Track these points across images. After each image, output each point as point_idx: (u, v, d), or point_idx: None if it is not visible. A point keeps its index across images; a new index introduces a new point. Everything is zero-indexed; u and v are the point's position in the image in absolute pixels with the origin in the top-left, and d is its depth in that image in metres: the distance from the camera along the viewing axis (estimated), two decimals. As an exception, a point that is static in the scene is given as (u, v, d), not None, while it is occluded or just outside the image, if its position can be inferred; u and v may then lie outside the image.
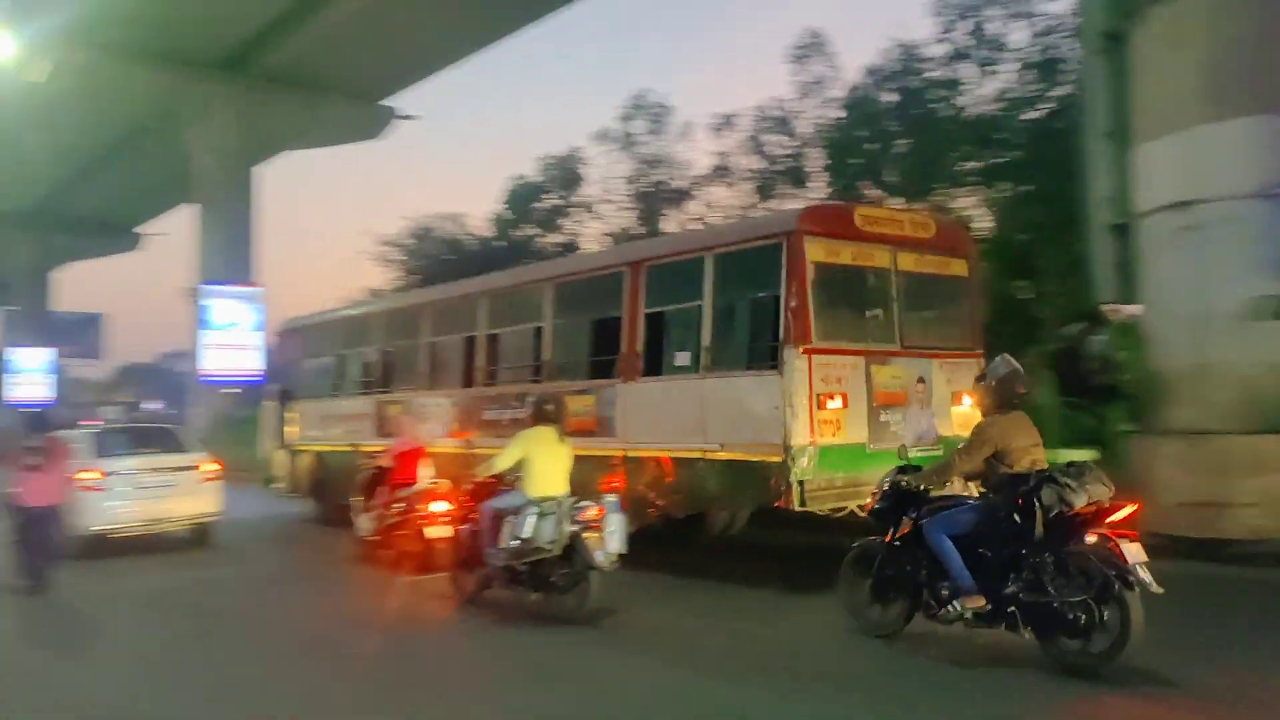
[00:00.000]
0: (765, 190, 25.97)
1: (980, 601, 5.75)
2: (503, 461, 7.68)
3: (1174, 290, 9.74)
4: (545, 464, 7.59)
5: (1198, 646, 6.12)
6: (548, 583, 7.41)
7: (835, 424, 8.02)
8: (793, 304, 7.96)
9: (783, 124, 25.02)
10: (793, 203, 25.89)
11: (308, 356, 15.65)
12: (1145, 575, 5.27)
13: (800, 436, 7.83)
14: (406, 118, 31.60)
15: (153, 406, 59.83)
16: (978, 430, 6.09)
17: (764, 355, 8.27)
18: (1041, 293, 16.95)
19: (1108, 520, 5.49)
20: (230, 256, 29.58)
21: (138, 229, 47.46)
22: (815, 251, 8.10)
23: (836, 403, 8.04)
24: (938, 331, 9.29)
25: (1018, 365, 6.18)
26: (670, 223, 27.16)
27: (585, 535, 7.22)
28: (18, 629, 8.40)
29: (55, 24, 25.44)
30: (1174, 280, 9.74)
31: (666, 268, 9.35)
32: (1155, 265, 10.02)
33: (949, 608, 5.90)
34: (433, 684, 6.08)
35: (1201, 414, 9.35)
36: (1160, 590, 5.25)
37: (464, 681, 6.34)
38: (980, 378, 6.45)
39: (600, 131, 27.47)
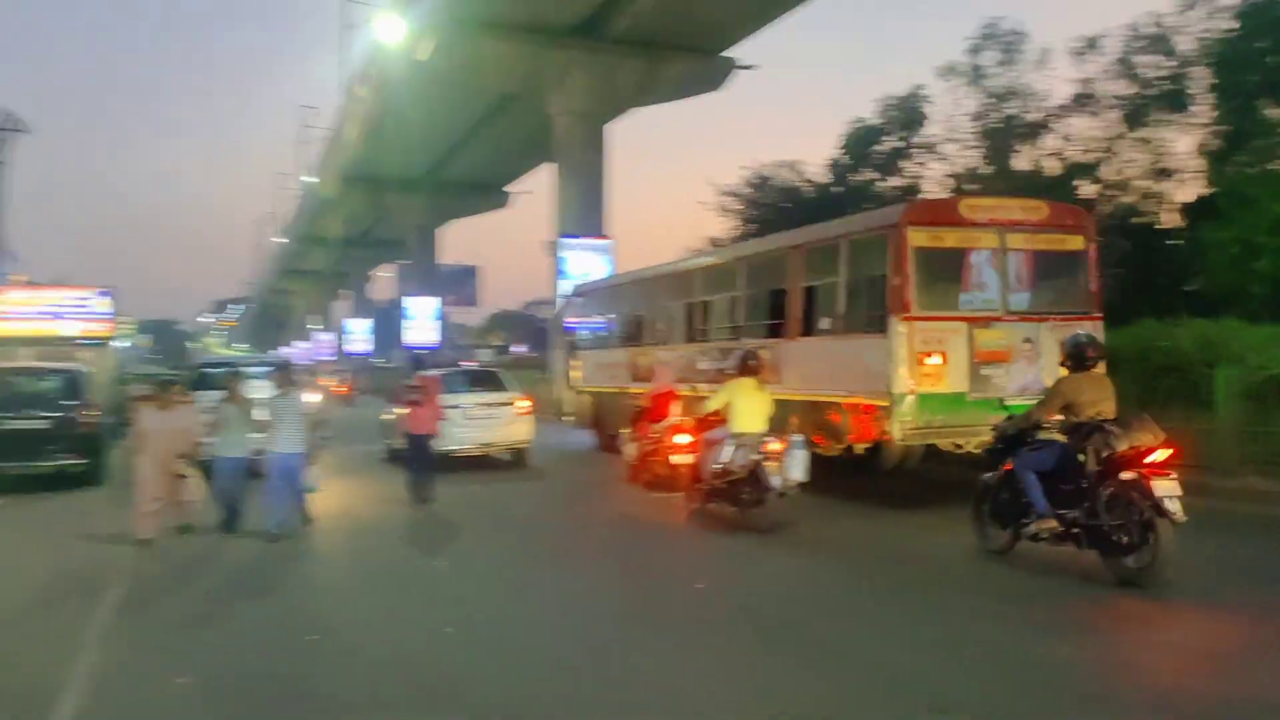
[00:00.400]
0: (1136, 118, 23.43)
1: (1052, 524, 7.08)
2: (711, 404, 9.67)
3: None
4: (745, 407, 9.30)
5: None
6: (739, 499, 9.33)
7: (935, 377, 9.92)
8: (895, 282, 9.98)
9: (1159, 42, 22.41)
10: (1167, 131, 23.15)
11: (588, 314, 19.32)
12: (1172, 506, 6.44)
13: (900, 386, 9.83)
14: (746, 68, 31.84)
15: (519, 350, 65.92)
16: (1053, 386, 7.44)
17: (879, 322, 10.21)
18: None
19: (1144, 461, 6.65)
20: (584, 211, 31.69)
21: (506, 188, 52.25)
22: (917, 239, 10.02)
23: (936, 359, 9.92)
24: (1050, 298, 10.86)
25: (1092, 336, 7.82)
26: (1022, 159, 25.32)
27: (766, 464, 8.95)
28: (409, 538, 10.09)
29: (436, 5, 28.48)
30: None
31: (817, 250, 11.72)
32: None
33: (1032, 529, 7.21)
34: (655, 565, 8.51)
35: None
36: (1184, 519, 6.40)
37: (670, 564, 8.66)
38: (1062, 345, 7.63)
39: (945, 67, 26.07)
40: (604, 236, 32.11)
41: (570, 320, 20.18)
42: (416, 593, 7.48)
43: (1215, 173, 20.60)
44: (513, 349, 69.29)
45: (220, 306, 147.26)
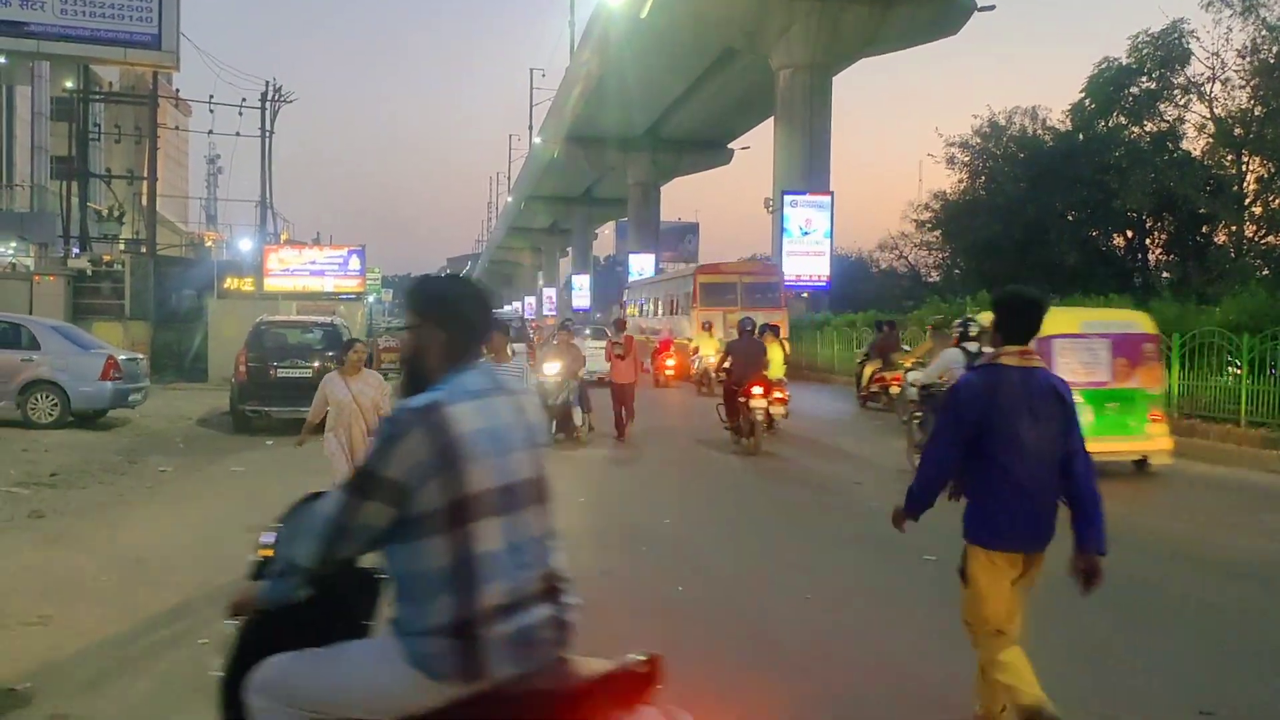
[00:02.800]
0: None
1: None
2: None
3: None
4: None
5: None
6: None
7: (709, 333, 23.11)
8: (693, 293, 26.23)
9: None
10: None
11: (634, 300, 36.85)
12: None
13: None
14: (986, 8, 29.94)
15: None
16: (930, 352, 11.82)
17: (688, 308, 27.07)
18: None
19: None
20: (806, 166, 31.15)
21: (729, 145, 52.10)
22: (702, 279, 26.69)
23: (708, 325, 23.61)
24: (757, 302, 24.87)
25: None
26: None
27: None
28: (610, 480, 10.77)
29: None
30: None
31: (677, 280, 30.45)
32: None
33: None
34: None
35: None
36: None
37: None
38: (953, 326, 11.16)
39: (1212, -2, 23.48)
40: (826, 192, 31.49)
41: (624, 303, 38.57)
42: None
43: None
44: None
45: (459, 263, 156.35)
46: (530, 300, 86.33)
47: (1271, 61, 22.87)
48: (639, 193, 54.10)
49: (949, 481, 3.73)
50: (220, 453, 11.97)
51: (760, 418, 12.01)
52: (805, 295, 31.79)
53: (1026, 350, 3.55)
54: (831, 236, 31.78)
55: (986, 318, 8.20)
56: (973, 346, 9.39)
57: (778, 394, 12.49)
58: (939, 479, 3.66)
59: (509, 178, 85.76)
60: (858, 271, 39.10)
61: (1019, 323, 3.57)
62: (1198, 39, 24.82)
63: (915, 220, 33.46)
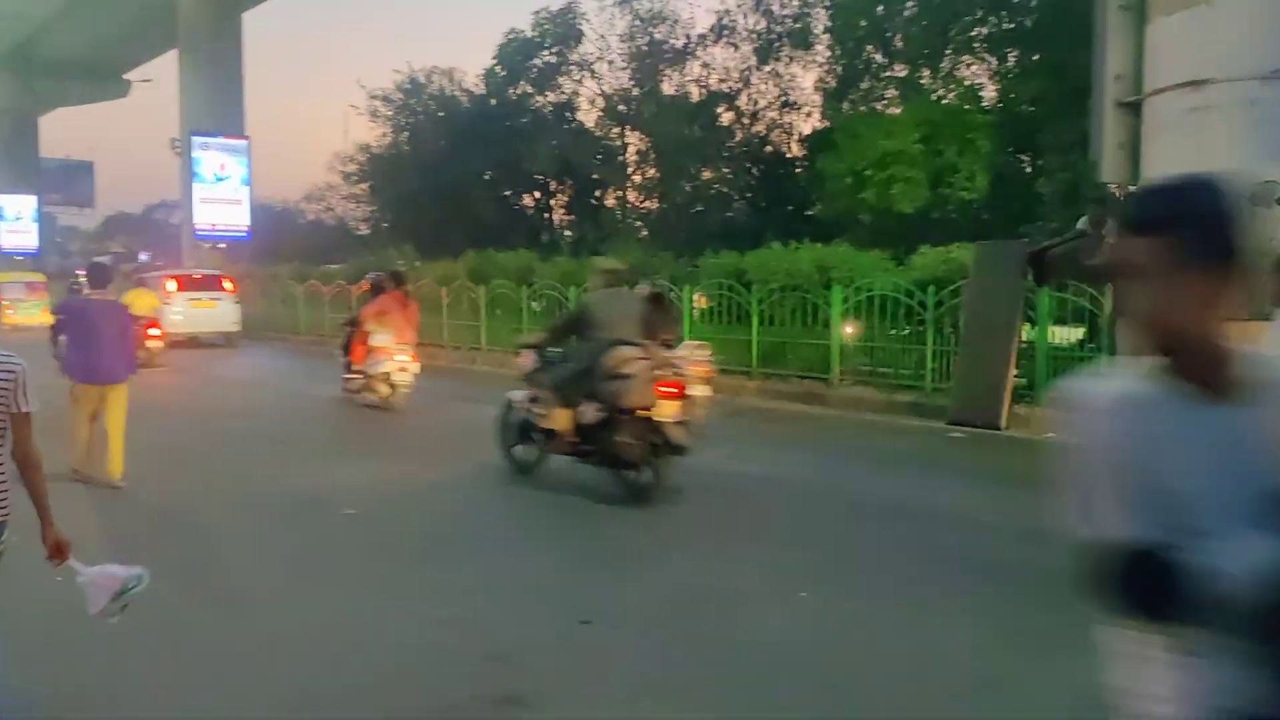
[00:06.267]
0: (765, 53, 25.13)
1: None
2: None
3: (1177, 172, 9.59)
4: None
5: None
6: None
7: None
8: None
9: (788, -20, 24.04)
10: (795, 67, 25.12)
11: None
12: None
13: None
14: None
15: (144, 258, 59.28)
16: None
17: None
18: (1044, 168, 16.69)
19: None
20: (218, 107, 28.84)
21: (127, 76, 46.04)
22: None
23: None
24: None
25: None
26: (670, 85, 26.40)
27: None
28: None
29: None
30: (1177, 163, 9.57)
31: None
32: (1160, 146, 9.84)
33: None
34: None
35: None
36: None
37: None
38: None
39: (598, -17, 26.34)
40: (242, 136, 29.48)
41: None
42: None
43: (831, 109, 22.75)
44: (141, 256, 62.10)
45: None
46: None
47: (644, 49, 26.35)
48: (8, 123, 45.60)
49: None
50: None
51: None
52: (223, 245, 29.60)
53: None
54: (250, 184, 29.92)
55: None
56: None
57: None
58: None
59: None
60: (283, 222, 37.49)
61: None
62: (589, 21, 27.69)
63: (342, 172, 32.94)
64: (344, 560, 5.65)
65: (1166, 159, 9.75)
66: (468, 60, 78.69)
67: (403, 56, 72.61)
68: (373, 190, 31.90)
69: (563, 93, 28.86)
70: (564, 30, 27.46)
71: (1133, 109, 10.33)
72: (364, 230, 34.47)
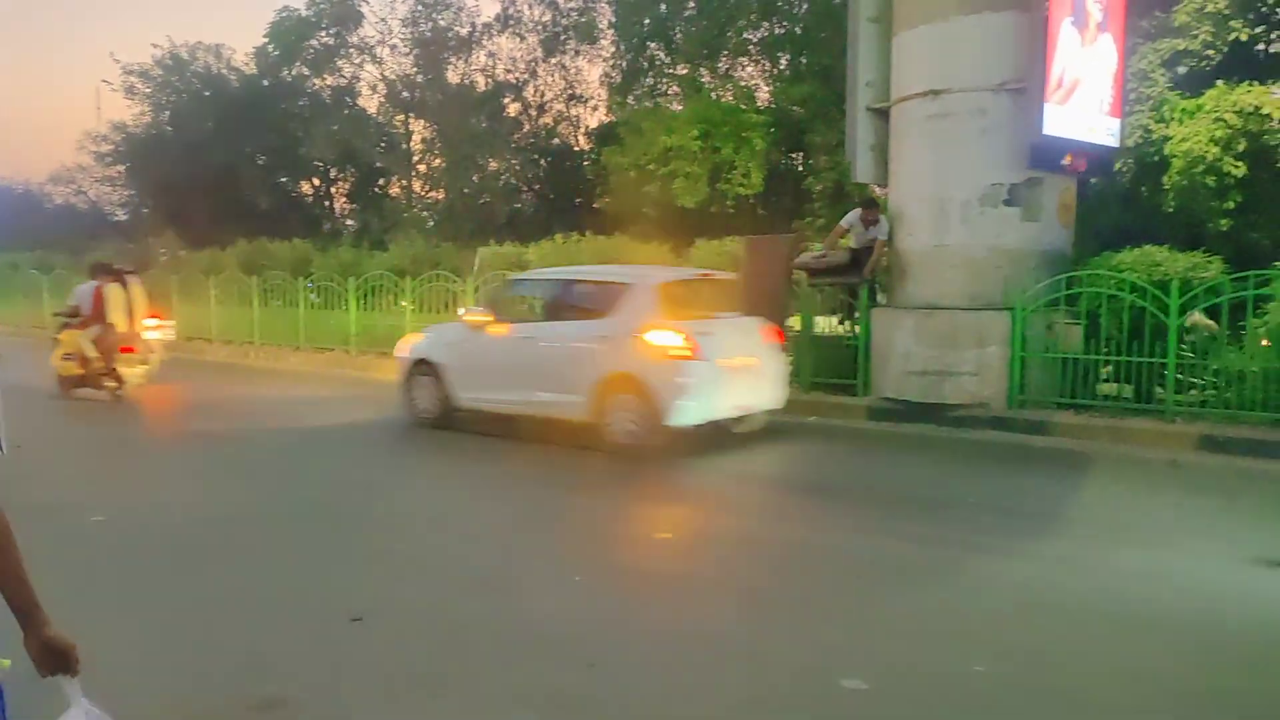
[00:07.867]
0: (552, 45, 25.19)
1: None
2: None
3: (919, 175, 10.40)
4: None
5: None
6: None
7: None
8: None
9: (572, -29, 24.19)
10: (581, 61, 25.32)
11: None
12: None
13: None
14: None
15: None
16: None
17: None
18: (812, 167, 17.65)
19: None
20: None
21: None
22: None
23: None
24: None
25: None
26: (455, 73, 25.97)
27: None
28: None
29: None
30: (919, 165, 10.39)
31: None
32: (905, 150, 10.62)
33: None
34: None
35: (936, 290, 10.20)
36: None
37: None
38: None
39: (376, -36, 25.49)
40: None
41: None
42: None
43: (616, 103, 23.10)
44: None
45: None
46: None
47: (428, 35, 25.77)
48: None
49: None
50: None
51: None
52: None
53: None
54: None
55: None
56: None
57: None
58: None
59: None
60: (26, 205, 34.16)
61: None
62: (368, 3, 26.77)
63: (94, 152, 30.34)
64: (91, 568, 5.22)
65: (911, 162, 10.55)
66: (236, 38, 73.73)
67: (165, 30, 67.51)
68: (130, 173, 29.62)
69: (342, 76, 27.83)
70: (342, 11, 26.40)
71: (882, 114, 11.08)
72: (122, 216, 32.01)
